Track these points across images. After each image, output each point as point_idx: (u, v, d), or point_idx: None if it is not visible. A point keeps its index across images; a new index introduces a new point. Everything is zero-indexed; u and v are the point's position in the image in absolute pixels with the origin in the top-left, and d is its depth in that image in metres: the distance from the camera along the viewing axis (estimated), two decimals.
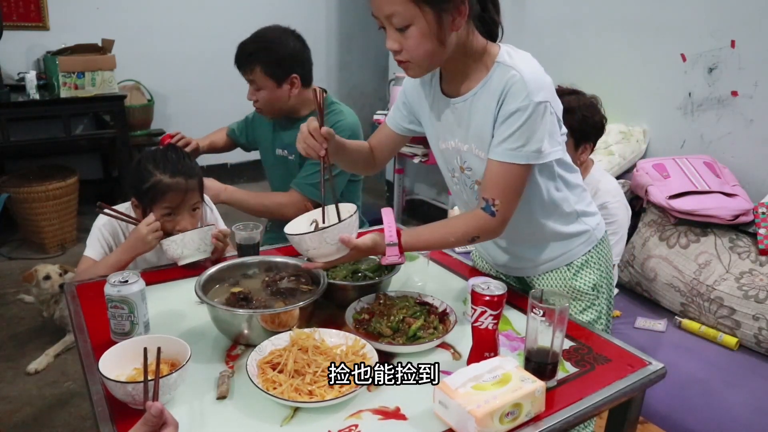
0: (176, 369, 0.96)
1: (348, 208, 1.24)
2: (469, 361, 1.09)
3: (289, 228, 1.22)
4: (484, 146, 1.20)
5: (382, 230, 1.19)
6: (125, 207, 1.64)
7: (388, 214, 1.20)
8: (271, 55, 1.88)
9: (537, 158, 1.15)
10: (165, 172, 1.51)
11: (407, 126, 1.39)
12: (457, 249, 1.56)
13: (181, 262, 1.46)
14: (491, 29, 1.19)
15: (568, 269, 1.37)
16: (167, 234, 1.51)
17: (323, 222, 1.24)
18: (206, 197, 1.75)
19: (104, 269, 1.44)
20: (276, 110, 1.97)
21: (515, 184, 1.17)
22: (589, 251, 1.38)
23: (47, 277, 2.47)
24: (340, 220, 1.19)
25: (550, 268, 1.38)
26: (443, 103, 1.26)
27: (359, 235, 1.20)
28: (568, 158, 1.29)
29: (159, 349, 0.95)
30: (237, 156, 2.35)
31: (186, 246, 1.44)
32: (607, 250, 1.42)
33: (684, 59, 2.41)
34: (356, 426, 0.94)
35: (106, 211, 1.53)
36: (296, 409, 0.97)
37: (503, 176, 1.16)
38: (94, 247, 1.57)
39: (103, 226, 1.59)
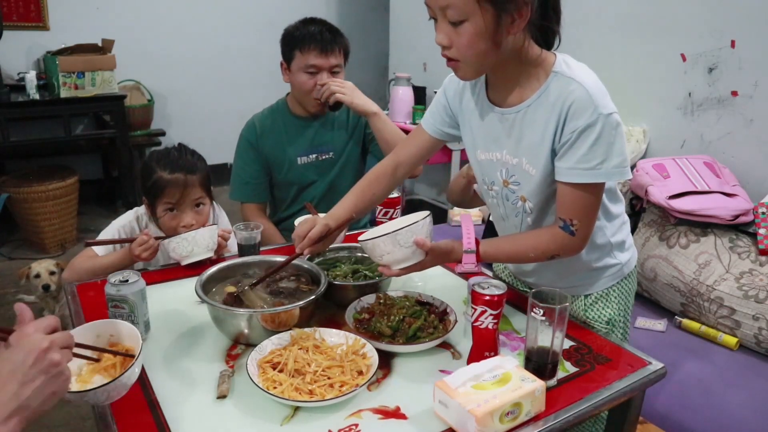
0: (128, 367, 0.90)
1: (421, 213, 1.19)
2: (469, 361, 1.09)
3: (363, 236, 1.17)
4: (536, 162, 1.13)
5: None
6: (134, 211, 1.67)
7: (467, 221, 1.16)
8: (347, 41, 1.84)
9: (622, 174, 1.07)
10: (165, 168, 1.55)
11: (446, 130, 1.31)
12: None
13: (186, 261, 1.46)
14: (548, 38, 1.12)
15: (584, 300, 1.31)
16: (172, 232, 1.53)
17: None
18: (216, 204, 1.76)
19: (100, 267, 1.47)
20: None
21: (593, 203, 1.11)
22: (612, 285, 1.31)
23: (37, 276, 2.50)
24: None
25: None
26: (490, 112, 1.18)
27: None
28: (614, 184, 1.24)
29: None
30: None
31: (197, 244, 1.44)
32: (632, 284, 1.35)
33: (684, 59, 2.41)
34: (356, 425, 0.94)
35: (94, 246, 1.53)
36: (296, 409, 0.97)
37: (580, 198, 1.09)
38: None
39: (122, 227, 1.61)
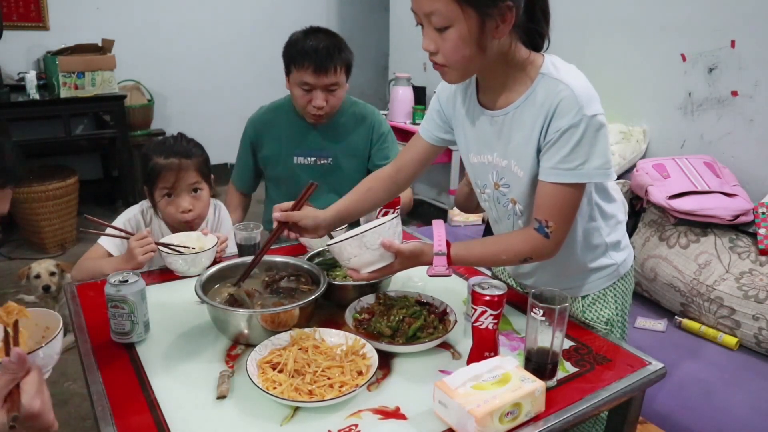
0: (46, 341, 0.91)
1: (390, 216, 1.17)
2: (469, 361, 1.09)
3: (332, 240, 1.16)
4: (524, 164, 1.13)
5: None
6: (139, 205, 1.68)
7: (438, 225, 1.15)
8: (350, 54, 1.84)
9: (604, 175, 1.08)
10: (160, 155, 1.58)
11: (442, 136, 1.31)
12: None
13: (181, 274, 1.45)
14: (535, 40, 1.12)
15: (581, 301, 1.31)
16: (171, 218, 1.57)
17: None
18: (219, 202, 1.76)
19: (102, 273, 1.44)
20: (336, 113, 1.92)
21: (571, 205, 1.10)
22: (608, 286, 1.31)
23: (37, 276, 2.51)
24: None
25: None
26: (480, 115, 1.19)
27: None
28: (611, 184, 1.23)
29: (16, 322, 0.91)
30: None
31: (195, 264, 1.43)
32: (629, 284, 1.35)
33: (684, 59, 2.41)
34: (356, 426, 0.94)
35: (92, 222, 1.46)
36: (296, 409, 0.97)
37: (559, 198, 1.08)
38: (112, 238, 1.57)
39: (128, 221, 1.62)
